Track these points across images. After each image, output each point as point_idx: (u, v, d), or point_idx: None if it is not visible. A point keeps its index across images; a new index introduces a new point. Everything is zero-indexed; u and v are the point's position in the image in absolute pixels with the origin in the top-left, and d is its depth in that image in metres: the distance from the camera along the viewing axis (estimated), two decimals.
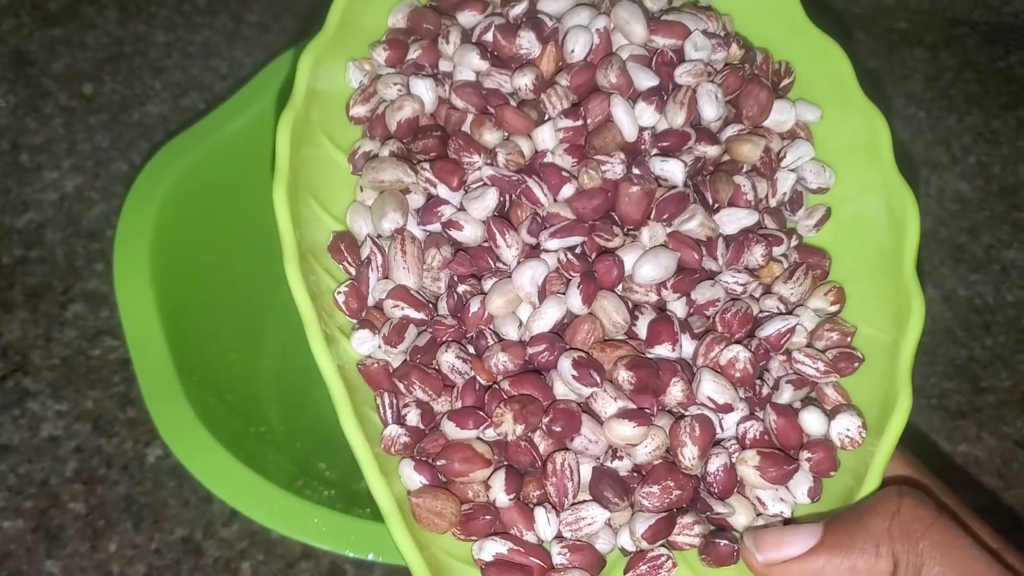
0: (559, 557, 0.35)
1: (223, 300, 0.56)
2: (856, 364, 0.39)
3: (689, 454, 0.35)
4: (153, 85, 0.72)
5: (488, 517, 0.35)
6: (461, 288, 0.38)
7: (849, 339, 0.40)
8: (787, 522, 0.36)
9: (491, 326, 0.38)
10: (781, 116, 0.43)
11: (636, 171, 0.40)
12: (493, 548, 0.34)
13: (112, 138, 0.69)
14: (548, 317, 0.37)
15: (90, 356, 0.59)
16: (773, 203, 0.42)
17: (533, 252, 0.38)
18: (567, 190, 0.39)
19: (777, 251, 0.41)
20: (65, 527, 0.54)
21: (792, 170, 0.42)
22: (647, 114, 0.40)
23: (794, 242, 0.42)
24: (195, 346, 0.51)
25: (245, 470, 0.45)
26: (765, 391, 0.38)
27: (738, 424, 0.37)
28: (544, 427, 0.35)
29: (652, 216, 0.39)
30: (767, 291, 0.41)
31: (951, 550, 0.31)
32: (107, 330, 0.61)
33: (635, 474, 0.36)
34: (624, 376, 0.36)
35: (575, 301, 0.37)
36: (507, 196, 0.39)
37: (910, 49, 0.79)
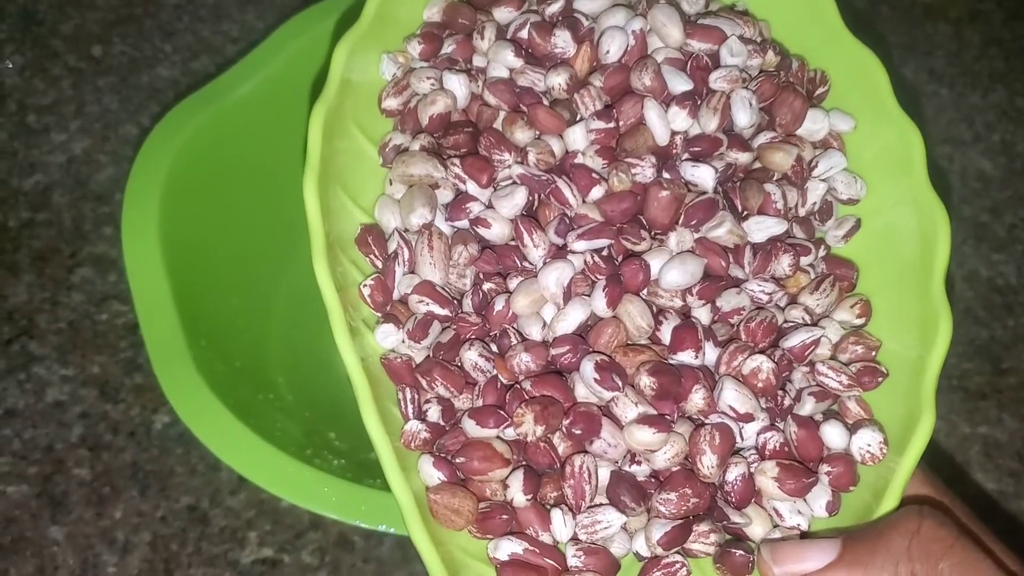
0: (574, 559, 0.35)
1: (231, 265, 0.56)
2: (880, 379, 0.39)
3: (708, 462, 0.35)
4: (163, 48, 0.71)
5: (505, 516, 0.35)
6: (486, 286, 0.38)
7: (874, 353, 0.39)
8: (804, 535, 0.36)
9: (515, 325, 0.38)
10: (814, 125, 0.42)
11: (666, 175, 0.39)
12: (508, 547, 0.35)
13: (121, 100, 0.68)
14: (572, 318, 0.37)
15: (97, 321, 0.59)
16: (802, 212, 0.42)
17: (560, 253, 0.38)
18: (596, 192, 0.39)
19: (804, 261, 0.41)
20: (70, 493, 0.53)
21: (823, 180, 0.42)
22: (680, 118, 0.40)
23: (822, 253, 0.42)
24: (204, 311, 0.50)
25: (254, 437, 0.44)
26: (787, 402, 0.38)
27: (758, 434, 0.37)
28: (564, 429, 0.35)
29: (680, 221, 0.39)
30: (793, 301, 0.40)
31: (970, 572, 0.31)
32: (114, 295, 0.60)
33: (653, 480, 0.36)
34: (646, 381, 0.36)
35: (600, 304, 0.37)
36: (536, 195, 0.39)
37: (934, 24, 0.78)
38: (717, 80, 0.40)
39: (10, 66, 0.67)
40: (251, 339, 0.56)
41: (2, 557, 0.51)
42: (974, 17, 0.79)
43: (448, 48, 0.43)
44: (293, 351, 0.59)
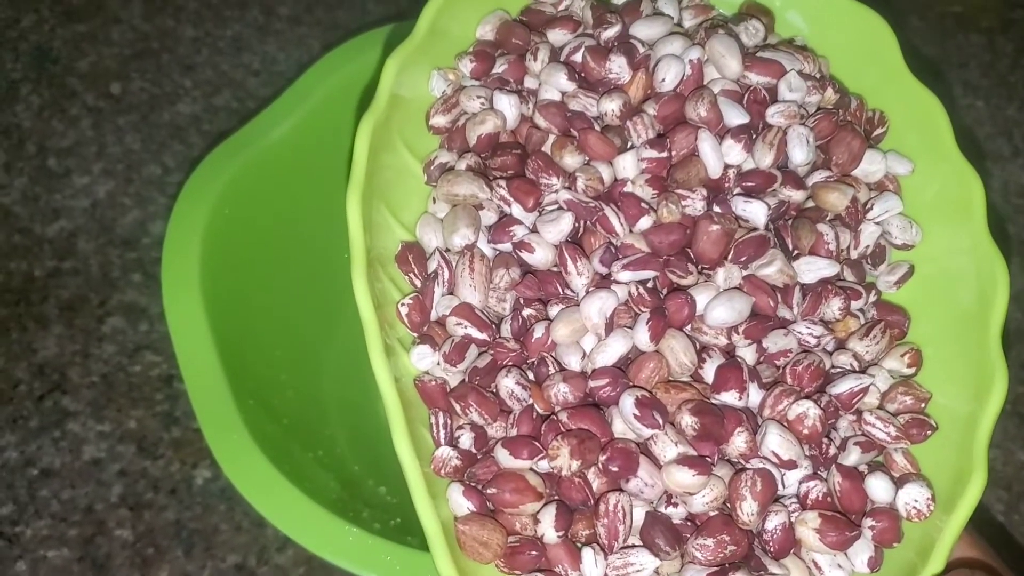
0: None
1: (275, 318, 0.54)
2: (928, 432, 0.37)
3: (748, 509, 0.34)
4: (183, 83, 0.70)
5: (534, 552, 0.34)
6: (526, 312, 0.37)
7: (923, 405, 0.38)
8: None
9: (553, 354, 0.37)
10: (871, 166, 0.41)
11: (717, 209, 0.38)
12: None
13: (143, 140, 0.67)
14: (613, 350, 0.36)
15: (131, 373, 0.57)
16: (855, 255, 0.41)
17: (603, 282, 0.37)
18: (644, 222, 0.38)
19: (855, 306, 0.39)
20: (113, 556, 0.52)
21: (878, 223, 0.41)
22: (734, 152, 0.39)
23: (873, 298, 0.41)
24: (248, 367, 0.48)
25: (318, 508, 0.42)
26: (832, 451, 0.36)
27: (801, 482, 0.36)
28: (600, 465, 0.34)
29: (730, 257, 0.38)
30: (841, 346, 0.39)
31: None
32: (147, 345, 0.58)
33: (689, 523, 0.35)
34: (688, 421, 0.34)
35: (642, 337, 0.36)
36: (582, 222, 0.38)
37: (965, 34, 0.76)
38: (774, 115, 0.39)
39: None
40: (296, 394, 0.54)
41: None
42: (1007, 27, 0.77)
43: (500, 68, 0.42)
44: (348, 405, 0.56)
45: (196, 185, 0.51)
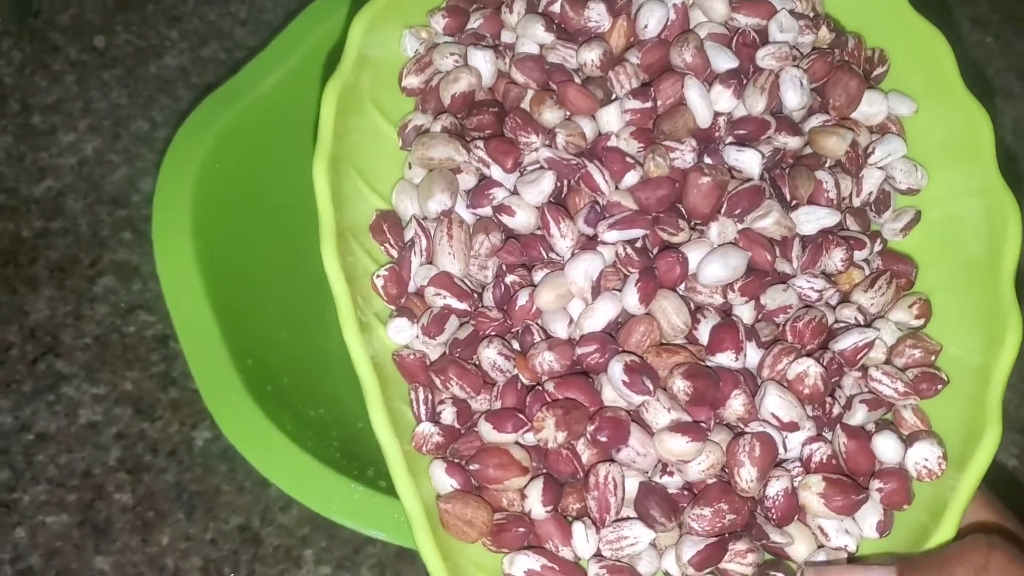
0: None
1: (269, 272, 0.53)
2: (939, 386, 0.35)
3: (747, 475, 0.32)
4: (169, 35, 0.68)
5: (522, 529, 0.33)
6: (509, 278, 0.36)
7: (933, 358, 0.36)
8: (851, 558, 0.33)
9: (539, 321, 0.35)
10: (871, 108, 0.39)
11: (708, 160, 0.37)
12: (525, 563, 0.32)
13: (129, 94, 0.65)
14: (601, 315, 0.34)
15: (125, 333, 0.57)
16: (857, 203, 0.39)
17: (589, 244, 0.36)
18: (631, 178, 0.36)
19: (859, 256, 0.38)
20: (113, 520, 0.51)
21: (880, 168, 0.39)
22: (724, 98, 0.37)
23: (878, 247, 0.39)
24: (246, 327, 0.48)
25: (322, 467, 0.42)
26: (836, 410, 0.35)
27: (803, 445, 0.34)
28: (588, 435, 0.33)
29: (723, 210, 0.36)
30: (845, 299, 0.37)
31: None
32: (140, 304, 0.57)
33: (686, 492, 0.33)
34: (680, 385, 0.33)
35: (632, 300, 0.34)
36: (565, 181, 0.37)
37: None
38: (765, 57, 0.37)
39: None
40: (299, 352, 0.53)
41: None
42: None
43: (475, 23, 0.40)
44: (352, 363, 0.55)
45: (184, 140, 0.49)
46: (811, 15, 0.40)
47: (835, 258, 0.37)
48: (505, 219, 0.36)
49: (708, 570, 0.32)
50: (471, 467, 0.33)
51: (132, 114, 0.65)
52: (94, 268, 0.59)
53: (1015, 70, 0.69)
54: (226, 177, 0.49)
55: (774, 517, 0.33)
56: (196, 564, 0.50)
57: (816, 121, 0.39)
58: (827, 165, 0.39)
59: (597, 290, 0.35)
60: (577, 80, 0.38)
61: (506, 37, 0.40)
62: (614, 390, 0.33)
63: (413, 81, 0.39)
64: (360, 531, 0.41)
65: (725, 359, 0.34)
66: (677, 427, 0.32)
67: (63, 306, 0.57)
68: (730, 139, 0.37)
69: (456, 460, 0.33)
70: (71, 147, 0.63)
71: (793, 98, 0.37)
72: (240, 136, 0.50)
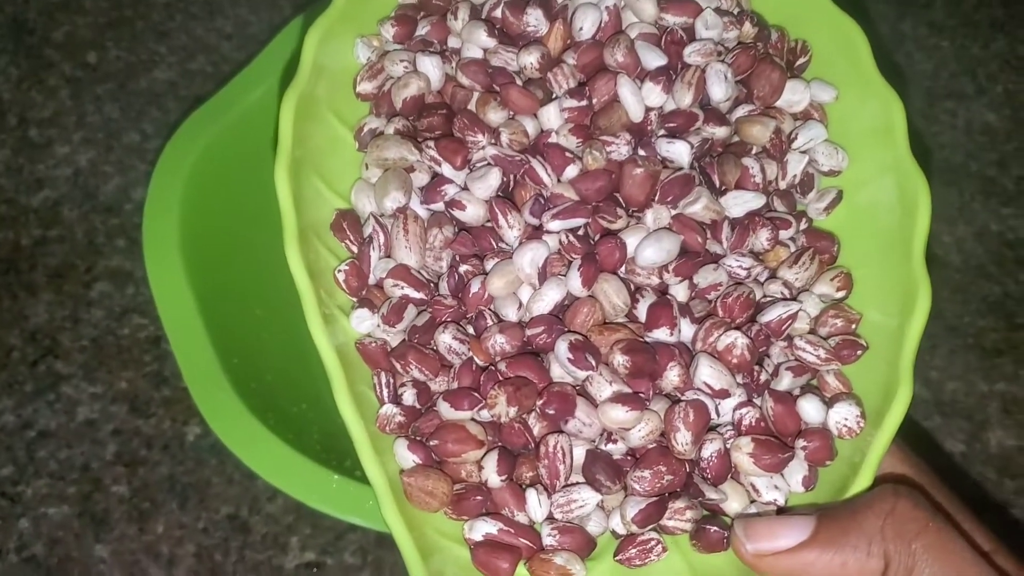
0: (549, 538, 0.35)
1: (254, 276, 0.55)
2: (859, 352, 0.38)
3: (683, 439, 0.35)
4: (158, 49, 0.71)
5: (479, 497, 0.35)
6: (462, 268, 0.38)
7: (854, 326, 0.39)
8: (780, 510, 0.36)
9: (491, 307, 0.38)
10: (794, 96, 0.42)
11: (641, 152, 0.39)
12: (483, 528, 0.35)
13: (121, 107, 0.68)
14: (548, 299, 0.37)
15: (119, 336, 0.59)
16: (783, 185, 0.42)
17: (535, 233, 0.38)
18: (571, 171, 0.39)
19: (784, 235, 0.40)
20: (111, 511, 0.54)
21: (803, 152, 0.42)
22: (654, 94, 0.39)
23: (803, 225, 0.41)
24: (232, 328, 0.50)
25: (302, 459, 0.45)
26: (764, 377, 0.37)
27: (734, 410, 0.37)
28: (538, 409, 0.35)
29: (656, 198, 0.38)
30: (772, 276, 0.40)
31: (944, 553, 0.31)
32: (134, 308, 0.60)
33: (628, 458, 0.36)
34: (620, 360, 0.35)
35: (575, 283, 0.37)
36: (511, 176, 0.39)
37: None
38: (691, 54, 0.40)
39: None
40: (282, 351, 0.55)
41: None
42: None
43: (423, 30, 0.42)
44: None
45: (173, 152, 0.52)
46: (735, 12, 0.42)
47: (762, 238, 0.39)
48: (457, 213, 0.39)
49: (650, 527, 0.35)
50: (431, 443, 0.35)
51: (124, 127, 0.67)
52: (90, 274, 0.61)
53: (968, 73, 0.72)
54: (213, 186, 0.52)
55: (709, 476, 0.36)
56: (189, 551, 0.53)
57: (742, 111, 0.41)
58: (753, 152, 0.41)
59: (543, 276, 0.38)
60: (519, 82, 0.40)
61: (452, 42, 0.42)
62: (561, 367, 0.36)
63: (367, 87, 0.42)
64: (338, 517, 0.44)
65: (661, 334, 0.37)
66: (618, 398, 0.35)
67: (61, 310, 0.60)
68: (661, 132, 0.40)
69: (417, 438, 0.36)
70: (66, 159, 0.66)
71: (719, 91, 0.40)
72: (226, 147, 0.53)
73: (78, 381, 0.58)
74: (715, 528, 0.35)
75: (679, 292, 0.38)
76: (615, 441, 0.36)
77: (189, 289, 0.48)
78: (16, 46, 0.70)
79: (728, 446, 0.36)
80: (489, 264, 0.38)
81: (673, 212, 0.39)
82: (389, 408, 0.36)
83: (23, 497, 0.54)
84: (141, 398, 0.58)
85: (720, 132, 0.40)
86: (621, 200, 0.39)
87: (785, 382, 0.38)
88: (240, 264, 0.54)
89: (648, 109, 0.40)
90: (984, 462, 0.57)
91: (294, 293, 0.56)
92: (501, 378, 0.36)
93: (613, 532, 0.36)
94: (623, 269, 0.38)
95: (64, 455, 0.56)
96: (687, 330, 0.38)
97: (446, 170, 0.39)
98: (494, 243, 0.38)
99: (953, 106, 0.70)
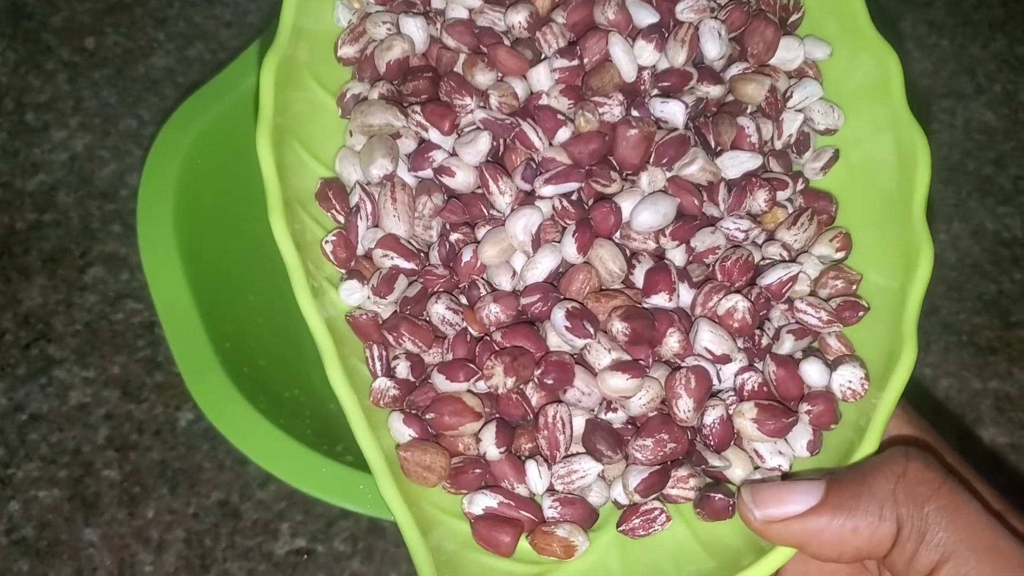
0: (550, 510, 0.34)
1: (247, 262, 0.54)
2: (861, 313, 0.38)
3: (684, 406, 0.34)
4: (156, 36, 0.70)
5: (478, 471, 0.35)
6: (453, 236, 0.37)
7: (854, 287, 0.38)
8: (785, 476, 0.35)
9: (484, 276, 0.37)
10: (788, 54, 0.41)
11: (635, 113, 0.38)
12: (483, 502, 0.34)
13: (119, 93, 0.67)
14: (542, 266, 0.36)
15: (113, 320, 0.59)
16: (779, 145, 0.41)
17: (527, 199, 0.37)
18: (563, 134, 0.38)
19: (781, 196, 0.40)
20: (101, 495, 0.54)
21: (799, 111, 0.41)
22: (647, 53, 0.38)
23: (800, 186, 0.41)
24: (225, 313, 0.50)
25: (294, 443, 0.44)
26: (765, 341, 0.37)
27: (736, 375, 0.36)
28: (536, 379, 0.35)
29: (651, 160, 0.38)
30: (770, 237, 0.39)
31: (956, 515, 0.30)
32: (128, 293, 0.59)
33: (629, 426, 0.35)
34: (618, 327, 0.35)
35: (570, 250, 0.36)
36: (500, 140, 0.38)
37: None
38: (684, 11, 0.39)
39: None
40: (275, 336, 0.55)
41: (40, 561, 0.52)
42: None
43: None
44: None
45: (168, 137, 0.51)
46: None
47: (759, 199, 0.39)
48: (446, 180, 0.37)
49: (653, 496, 0.34)
50: (427, 416, 0.34)
51: (121, 112, 0.66)
52: (84, 259, 0.61)
53: (968, 72, 0.72)
54: (207, 173, 0.52)
55: (712, 443, 0.35)
56: (179, 536, 0.53)
57: (736, 69, 0.40)
58: (748, 111, 0.40)
59: (537, 243, 0.37)
60: (507, 42, 0.39)
61: (436, 3, 0.41)
62: (558, 336, 0.35)
63: (348, 51, 0.40)
64: (328, 502, 0.44)
65: (660, 300, 0.36)
66: (618, 366, 0.34)
67: (55, 294, 0.59)
68: (655, 91, 0.39)
69: (413, 411, 0.35)
70: (63, 143, 0.65)
71: (712, 48, 0.39)
72: (220, 133, 0.52)
73: (71, 365, 0.57)
74: (719, 496, 0.34)
75: (676, 256, 0.38)
76: (615, 410, 0.35)
77: (183, 274, 0.48)
78: (14, 30, 0.69)
79: (730, 412, 0.35)
80: (481, 232, 0.37)
81: (669, 174, 0.38)
82: (383, 382, 0.35)
83: (14, 480, 0.54)
84: (133, 383, 0.57)
85: (715, 91, 0.39)
86: (615, 163, 0.38)
87: (787, 346, 0.37)
88: (234, 250, 0.53)
89: (641, 68, 0.39)
90: (976, 459, 0.58)
91: (286, 278, 0.56)
92: (497, 348, 0.35)
93: (615, 502, 0.35)
94: (618, 234, 0.37)
95: (55, 439, 0.55)
96: (686, 295, 0.37)
97: (433, 135, 0.38)
98: (485, 210, 0.37)
99: (951, 105, 0.70)
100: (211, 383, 0.46)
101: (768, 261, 0.38)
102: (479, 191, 0.38)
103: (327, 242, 0.37)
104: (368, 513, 0.45)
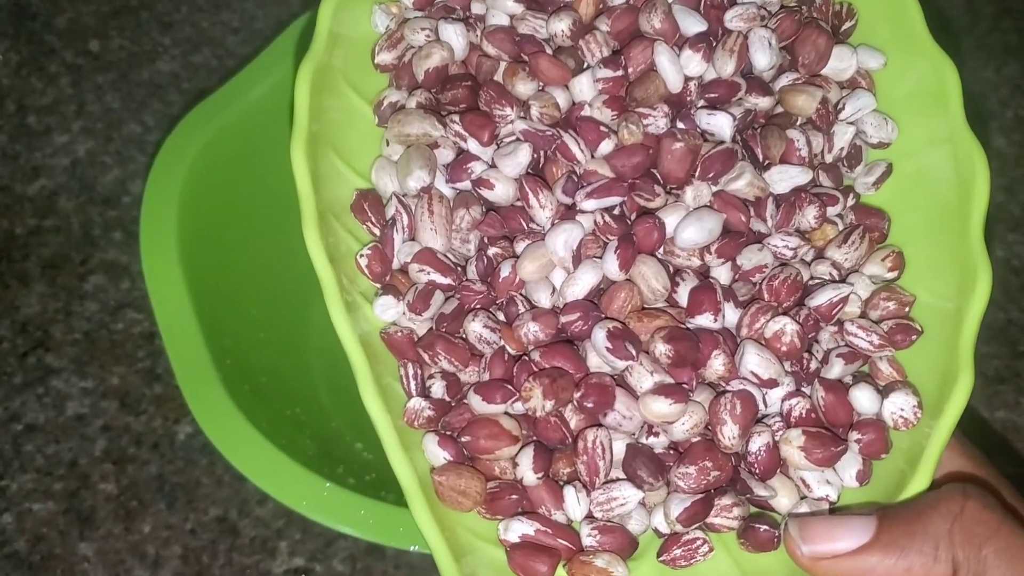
0: (589, 539, 0.33)
1: (251, 276, 0.54)
2: (914, 337, 0.36)
3: (729, 433, 0.33)
4: (162, 41, 0.69)
5: (515, 496, 0.34)
6: (491, 251, 0.36)
7: (907, 309, 0.37)
8: (833, 508, 0.34)
9: (522, 292, 0.36)
10: (841, 63, 0.39)
11: (680, 125, 0.37)
12: (520, 528, 0.33)
13: (122, 98, 0.66)
14: (583, 283, 0.35)
15: (113, 330, 0.58)
16: (829, 159, 0.39)
17: (568, 213, 0.36)
18: (606, 146, 0.36)
19: (832, 212, 0.38)
20: (97, 508, 0.53)
21: (851, 123, 0.39)
22: (694, 62, 0.37)
23: (851, 201, 0.39)
24: (227, 328, 0.49)
25: (294, 464, 0.43)
26: (813, 365, 0.35)
27: (783, 400, 0.35)
28: (575, 402, 0.33)
29: (697, 174, 0.36)
30: (820, 255, 0.38)
31: (1016, 559, 0.29)
32: (129, 303, 0.59)
33: (671, 452, 0.34)
34: (661, 349, 0.33)
35: (612, 266, 0.35)
36: (541, 152, 0.37)
37: None
38: (733, 19, 0.38)
39: None
40: (279, 352, 0.55)
41: (33, 575, 0.51)
42: None
43: None
44: (332, 361, 0.56)
45: (173, 146, 0.50)
46: None
47: (808, 215, 0.37)
48: (484, 192, 0.36)
49: (696, 525, 0.33)
50: (463, 439, 0.33)
51: (124, 117, 0.66)
52: (85, 266, 0.60)
53: (980, 98, 0.70)
54: (213, 183, 0.51)
55: (757, 471, 0.34)
56: (176, 552, 0.52)
57: (786, 80, 0.39)
58: (798, 123, 0.39)
59: (578, 259, 0.35)
60: (548, 50, 0.38)
61: (476, 9, 0.40)
62: (598, 356, 0.34)
63: (386, 57, 0.39)
64: (329, 526, 0.43)
65: (704, 320, 0.35)
66: (660, 389, 0.33)
67: (54, 302, 0.59)
68: (701, 103, 0.37)
69: (448, 433, 0.34)
70: (65, 148, 0.64)
71: (762, 59, 0.38)
72: (227, 144, 0.51)
73: (68, 375, 0.57)
74: (765, 527, 0.33)
75: (722, 274, 0.36)
76: (657, 435, 0.34)
77: (185, 286, 0.48)
78: (17, 31, 0.69)
79: (777, 439, 0.34)
80: (520, 246, 0.36)
81: (714, 189, 0.37)
82: (417, 401, 0.34)
83: (7, 492, 0.53)
84: (132, 394, 0.56)
85: (764, 103, 0.38)
86: (659, 177, 0.37)
87: (836, 370, 0.36)
88: (237, 263, 0.53)
89: (687, 79, 0.37)
90: None
91: (294, 292, 0.56)
92: (535, 368, 0.34)
93: (656, 531, 0.34)
94: (662, 250, 0.36)
95: (51, 450, 0.54)
96: (731, 315, 0.35)
97: (472, 146, 0.37)
98: (525, 224, 0.36)
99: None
100: (211, 400, 0.45)
101: (817, 281, 0.37)
102: (518, 204, 0.37)
103: (362, 255, 0.36)
104: (367, 539, 0.44)
